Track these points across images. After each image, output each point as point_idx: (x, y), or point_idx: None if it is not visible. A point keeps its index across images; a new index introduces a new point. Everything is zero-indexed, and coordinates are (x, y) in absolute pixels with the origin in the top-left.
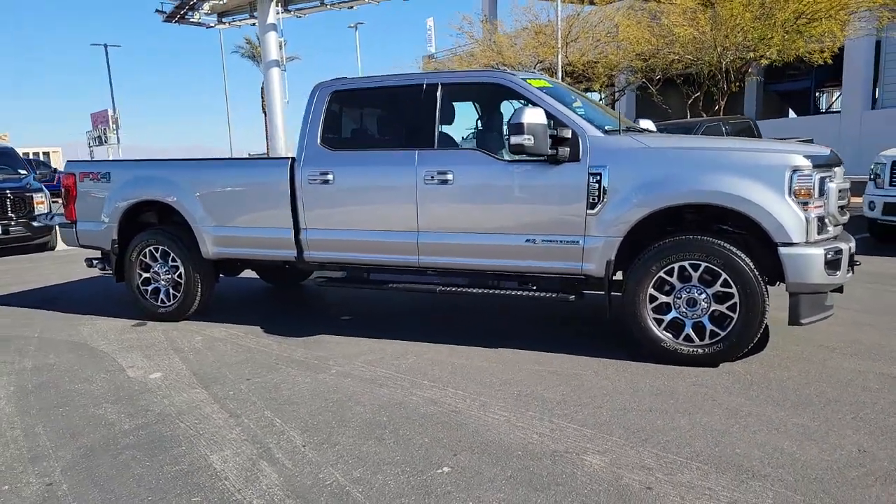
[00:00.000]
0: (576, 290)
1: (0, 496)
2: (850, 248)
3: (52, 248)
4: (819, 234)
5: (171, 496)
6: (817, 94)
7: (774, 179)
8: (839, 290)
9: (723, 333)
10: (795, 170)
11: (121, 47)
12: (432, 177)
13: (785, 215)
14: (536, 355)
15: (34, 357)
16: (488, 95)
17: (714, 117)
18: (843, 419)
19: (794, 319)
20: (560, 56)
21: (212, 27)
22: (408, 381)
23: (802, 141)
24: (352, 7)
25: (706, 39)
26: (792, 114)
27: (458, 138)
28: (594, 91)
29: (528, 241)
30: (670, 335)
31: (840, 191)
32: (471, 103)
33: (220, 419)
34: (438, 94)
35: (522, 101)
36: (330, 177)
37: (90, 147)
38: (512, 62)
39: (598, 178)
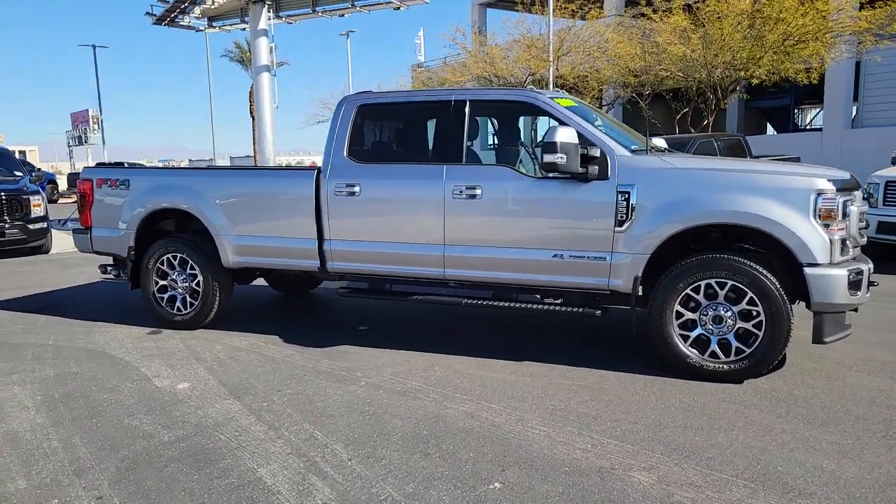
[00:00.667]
0: (601, 306)
1: None
2: (869, 269)
3: (47, 252)
4: (841, 255)
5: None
6: (796, 111)
7: (800, 202)
8: (854, 309)
9: (748, 350)
10: (820, 193)
11: (108, 48)
12: (461, 191)
13: (810, 237)
14: (563, 369)
15: (54, 365)
16: (516, 113)
17: (706, 133)
18: (874, 437)
19: (817, 338)
20: (552, 69)
21: (201, 31)
22: (440, 394)
23: (789, 158)
24: (343, 15)
25: (697, 57)
26: (770, 130)
27: (485, 154)
28: None
29: (555, 256)
30: (696, 351)
31: (860, 213)
32: (497, 120)
33: (260, 431)
34: (466, 110)
35: (551, 120)
36: (357, 189)
37: (69, 146)
38: (505, 74)
39: (627, 196)
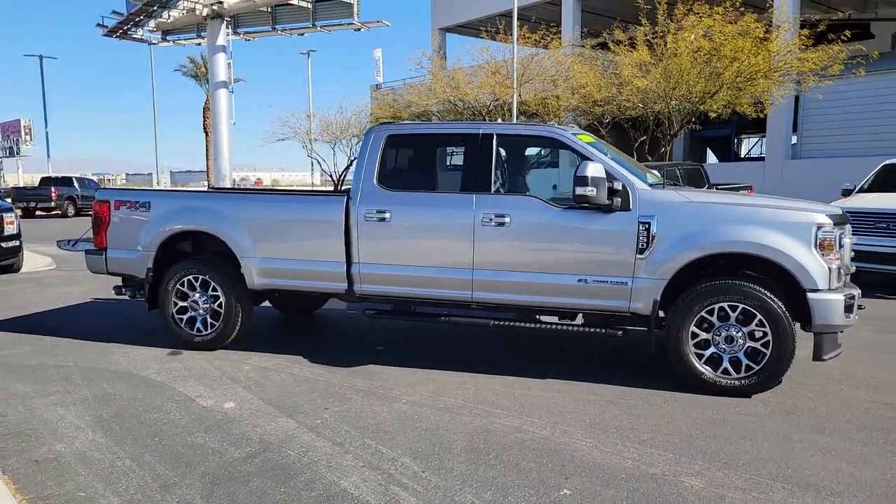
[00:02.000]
0: (621, 327)
1: None
2: (857, 294)
3: (17, 270)
4: (837, 281)
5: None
6: (736, 140)
7: (803, 234)
8: (840, 330)
9: (757, 367)
10: (820, 226)
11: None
12: (490, 219)
13: (812, 265)
14: (587, 386)
15: (87, 386)
16: (540, 147)
17: (670, 162)
18: (877, 443)
19: (817, 356)
20: (515, 95)
21: (155, 44)
22: (481, 410)
23: (742, 187)
24: (302, 34)
25: (657, 90)
26: (712, 158)
27: (511, 184)
28: None
29: (580, 280)
30: (710, 368)
31: (850, 245)
32: (523, 153)
33: (325, 447)
34: (494, 143)
35: (575, 155)
36: (387, 215)
37: None
38: (470, 98)
39: (648, 226)
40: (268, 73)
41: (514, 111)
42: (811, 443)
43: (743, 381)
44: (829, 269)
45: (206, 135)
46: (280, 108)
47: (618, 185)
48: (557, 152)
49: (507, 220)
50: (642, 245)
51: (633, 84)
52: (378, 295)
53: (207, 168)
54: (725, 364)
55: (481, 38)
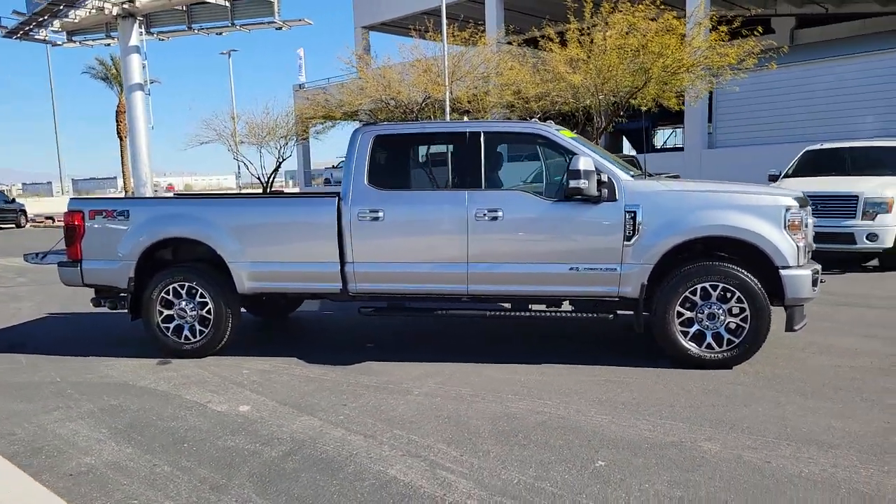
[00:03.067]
0: (610, 310)
1: None
2: (819, 269)
3: None
4: (804, 258)
5: (332, 496)
6: (652, 132)
7: (774, 217)
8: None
9: (737, 341)
10: (788, 208)
11: None
12: (483, 214)
13: (784, 245)
14: (582, 368)
15: (88, 401)
16: (525, 143)
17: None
18: (854, 401)
19: (789, 327)
20: (448, 93)
21: (59, 45)
22: (494, 396)
23: (671, 176)
24: (220, 33)
25: (588, 85)
26: (628, 149)
27: (501, 180)
28: None
29: (571, 268)
30: (694, 344)
31: (812, 225)
32: (509, 149)
33: (359, 440)
34: (482, 140)
35: (560, 150)
36: (380, 214)
37: None
38: (403, 97)
39: (633, 214)
40: (187, 74)
41: (447, 108)
42: (799, 405)
43: (725, 354)
44: (798, 247)
45: (121, 139)
46: (202, 110)
47: (604, 177)
48: (537, 148)
49: (499, 214)
50: (629, 233)
51: (567, 80)
52: (373, 293)
53: (124, 174)
54: (709, 339)
55: (410, 36)
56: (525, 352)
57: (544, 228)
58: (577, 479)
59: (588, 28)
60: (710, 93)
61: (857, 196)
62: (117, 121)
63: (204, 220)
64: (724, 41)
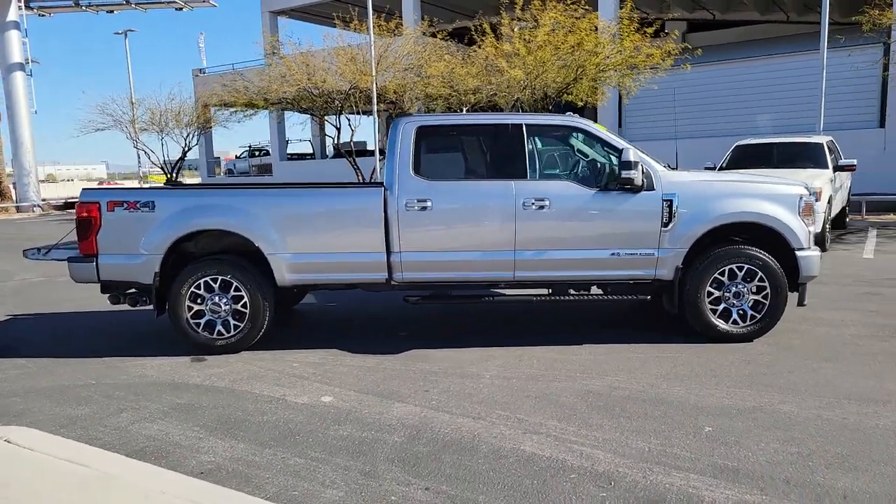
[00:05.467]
0: (646, 292)
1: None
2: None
3: None
4: (812, 242)
5: (528, 483)
6: None
7: (791, 204)
8: None
9: (759, 316)
10: (802, 196)
11: None
12: (531, 203)
13: (799, 229)
14: (621, 347)
15: (148, 401)
16: (566, 135)
17: None
18: (875, 363)
19: (801, 302)
20: (374, 83)
21: None
22: (564, 375)
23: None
24: (112, 11)
25: (522, 79)
26: None
27: (543, 170)
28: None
29: (612, 254)
30: (722, 321)
31: (818, 212)
32: (549, 141)
33: (470, 423)
34: (524, 132)
35: (597, 142)
36: (428, 204)
37: None
38: (329, 86)
39: (670, 203)
40: (76, 56)
41: (374, 99)
42: (832, 369)
43: (749, 329)
44: (809, 231)
45: None
46: (97, 95)
47: (644, 169)
48: (571, 140)
49: (546, 203)
50: (666, 219)
51: (508, 74)
52: (419, 282)
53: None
54: (735, 316)
55: (324, 24)
56: (558, 334)
57: (588, 216)
58: (700, 443)
59: (516, 22)
60: (619, 91)
61: None
62: None
63: (240, 210)
64: (642, 42)
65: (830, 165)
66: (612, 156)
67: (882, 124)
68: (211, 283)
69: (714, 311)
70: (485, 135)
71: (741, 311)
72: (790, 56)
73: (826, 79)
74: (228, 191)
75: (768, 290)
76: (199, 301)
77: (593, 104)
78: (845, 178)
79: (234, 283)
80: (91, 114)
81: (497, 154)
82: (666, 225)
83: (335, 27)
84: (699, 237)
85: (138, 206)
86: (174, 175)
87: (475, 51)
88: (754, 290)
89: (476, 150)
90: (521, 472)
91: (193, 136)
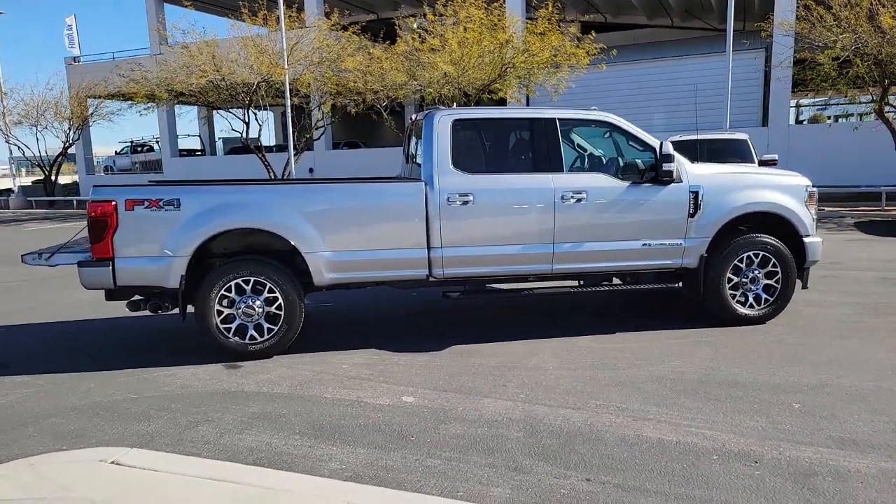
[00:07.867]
0: (671, 281)
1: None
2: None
3: None
4: (815, 229)
5: (678, 467)
6: None
7: (799, 194)
8: None
9: (771, 299)
10: (806, 187)
11: None
12: (570, 196)
13: (805, 217)
14: (654, 334)
15: (215, 411)
16: (596, 130)
17: None
18: (872, 339)
19: (804, 285)
20: (287, 76)
21: None
22: (623, 363)
23: None
24: None
25: (454, 74)
26: None
27: (577, 162)
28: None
29: (644, 245)
30: (740, 304)
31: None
32: (581, 135)
33: (570, 414)
34: (558, 126)
35: (626, 136)
36: (470, 198)
37: None
38: (238, 78)
39: (696, 194)
40: None
41: (287, 91)
42: (859, 345)
43: (763, 311)
44: (813, 219)
45: None
46: None
47: None
48: (600, 133)
49: (584, 196)
50: (692, 210)
51: (441, 69)
52: (459, 277)
53: None
54: (750, 300)
55: (226, 16)
56: (585, 324)
57: (622, 208)
58: (802, 419)
59: (437, 18)
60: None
61: None
62: None
63: (274, 207)
64: (567, 41)
65: (756, 160)
66: (637, 149)
67: (765, 123)
68: (243, 284)
69: (733, 297)
70: (520, 129)
71: (756, 295)
72: (694, 58)
73: (715, 81)
74: (258, 187)
75: (780, 275)
76: (229, 304)
77: (512, 100)
78: None
79: (269, 284)
80: None
81: (534, 148)
82: (692, 215)
83: (227, 17)
84: (722, 226)
85: (161, 204)
86: (52, 172)
87: (388, 46)
88: (767, 275)
89: (512, 144)
90: (663, 458)
91: (72, 130)
